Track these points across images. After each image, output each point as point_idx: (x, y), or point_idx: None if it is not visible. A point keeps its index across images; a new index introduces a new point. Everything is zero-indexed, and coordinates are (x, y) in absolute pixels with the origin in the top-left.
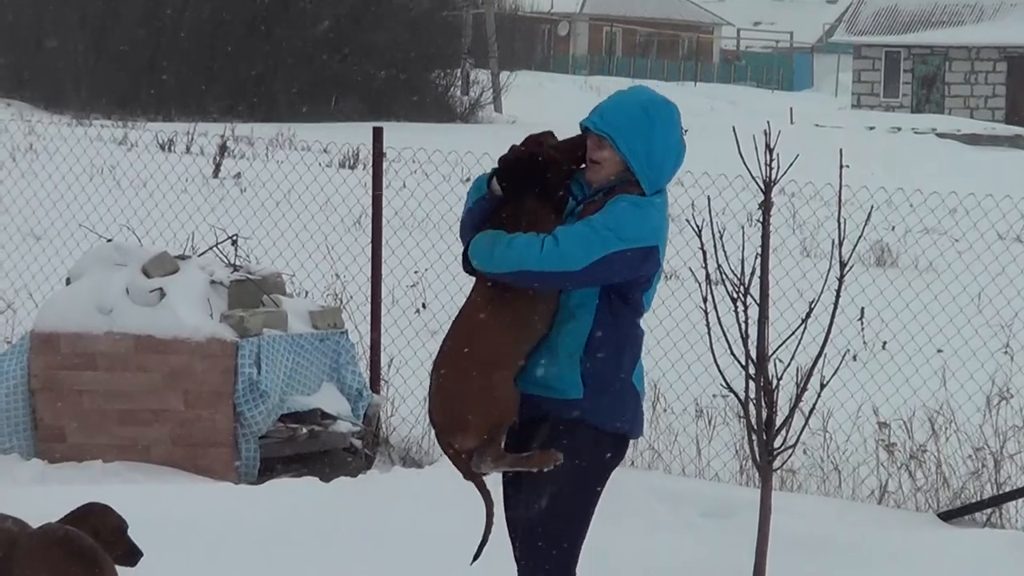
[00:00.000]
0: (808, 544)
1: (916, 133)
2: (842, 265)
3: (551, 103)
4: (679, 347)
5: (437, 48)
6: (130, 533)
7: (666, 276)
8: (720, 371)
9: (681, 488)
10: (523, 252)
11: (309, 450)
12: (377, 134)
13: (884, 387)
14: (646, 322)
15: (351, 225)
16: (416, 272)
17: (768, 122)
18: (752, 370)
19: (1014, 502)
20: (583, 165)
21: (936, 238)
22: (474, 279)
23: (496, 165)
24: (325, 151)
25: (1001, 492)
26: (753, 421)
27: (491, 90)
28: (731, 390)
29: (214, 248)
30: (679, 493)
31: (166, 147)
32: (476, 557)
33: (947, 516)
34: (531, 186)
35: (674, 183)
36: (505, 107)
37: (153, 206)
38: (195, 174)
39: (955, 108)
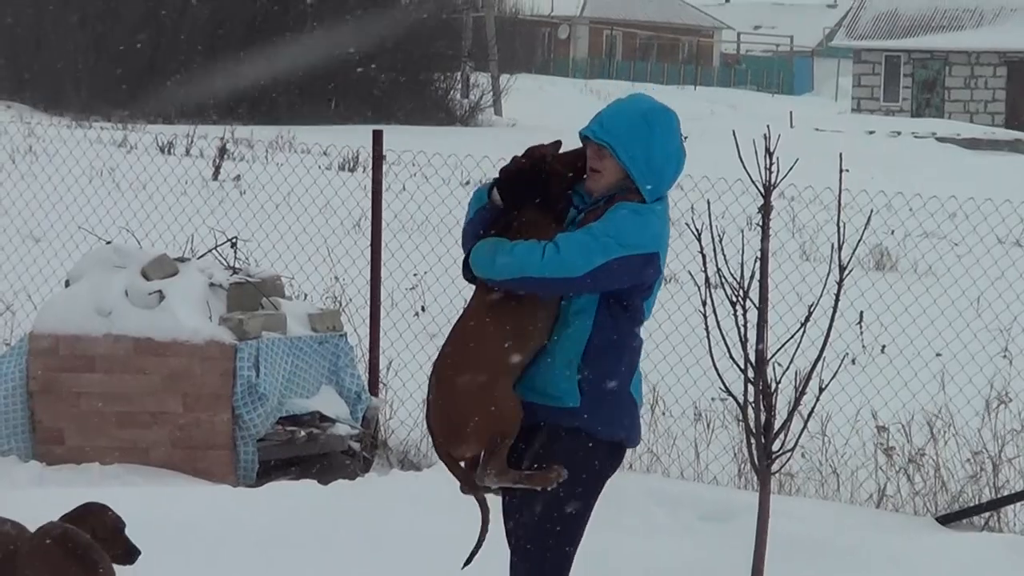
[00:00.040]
0: (806, 548)
1: (916, 137)
2: (841, 269)
3: (551, 106)
4: (678, 350)
5: (437, 51)
6: (128, 534)
7: (666, 280)
8: (719, 375)
9: (680, 491)
10: (524, 259)
11: (307, 453)
12: (377, 137)
13: (883, 391)
14: (644, 326)
15: (350, 228)
16: (415, 275)
17: (768, 126)
18: (751, 374)
19: (1012, 506)
20: (584, 176)
21: (935, 242)
22: (474, 289)
23: (497, 175)
24: (325, 154)
25: (999, 496)
26: (752, 425)
27: (491, 93)
28: (730, 394)
29: (213, 251)
30: (678, 496)
31: (166, 149)
32: (467, 562)
33: (945, 520)
34: (532, 196)
35: (674, 187)
36: (505, 110)
37: (152, 208)
38: (195, 176)
39: (955, 112)
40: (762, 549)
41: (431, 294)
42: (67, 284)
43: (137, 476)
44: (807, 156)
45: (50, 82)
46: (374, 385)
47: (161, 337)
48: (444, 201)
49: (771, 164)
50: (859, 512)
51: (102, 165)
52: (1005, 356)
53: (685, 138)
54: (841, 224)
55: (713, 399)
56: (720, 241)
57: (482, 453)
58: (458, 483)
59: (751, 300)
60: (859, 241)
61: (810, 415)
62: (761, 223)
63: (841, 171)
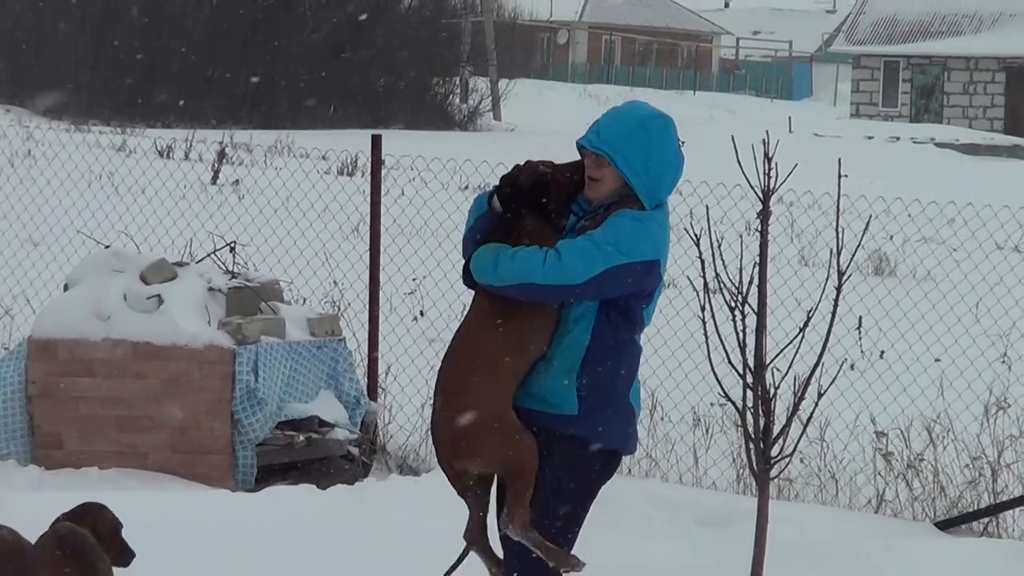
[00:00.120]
0: (805, 553)
1: (915, 143)
2: (840, 274)
3: (550, 111)
4: (677, 355)
5: (436, 56)
6: (127, 539)
7: (665, 284)
8: (718, 380)
9: (678, 496)
10: (525, 265)
11: (306, 457)
12: (376, 141)
13: (882, 396)
14: (644, 332)
15: (349, 232)
16: (414, 279)
17: (767, 131)
18: (750, 379)
19: (1011, 511)
20: (583, 186)
21: (934, 247)
22: (473, 295)
23: (497, 182)
24: (324, 158)
25: (998, 501)
26: (751, 430)
27: (490, 98)
28: (729, 399)
29: (212, 255)
30: (676, 501)
31: (165, 154)
32: (449, 572)
33: (944, 525)
34: (532, 203)
35: (673, 193)
36: (504, 115)
37: (151, 213)
38: (193, 181)
39: (954, 118)
40: (761, 554)
41: (430, 299)
42: (66, 288)
43: (136, 480)
44: (806, 161)
45: (49, 86)
46: (373, 390)
47: (160, 341)
48: (443, 206)
49: (770, 169)
50: (858, 517)
51: (101, 169)
52: (1003, 361)
53: (682, 144)
54: (840, 229)
55: (712, 404)
56: (719, 246)
57: (508, 493)
58: (456, 493)
59: (750, 305)
60: (858, 246)
61: (809, 420)
62: (760, 228)
63: (840, 176)
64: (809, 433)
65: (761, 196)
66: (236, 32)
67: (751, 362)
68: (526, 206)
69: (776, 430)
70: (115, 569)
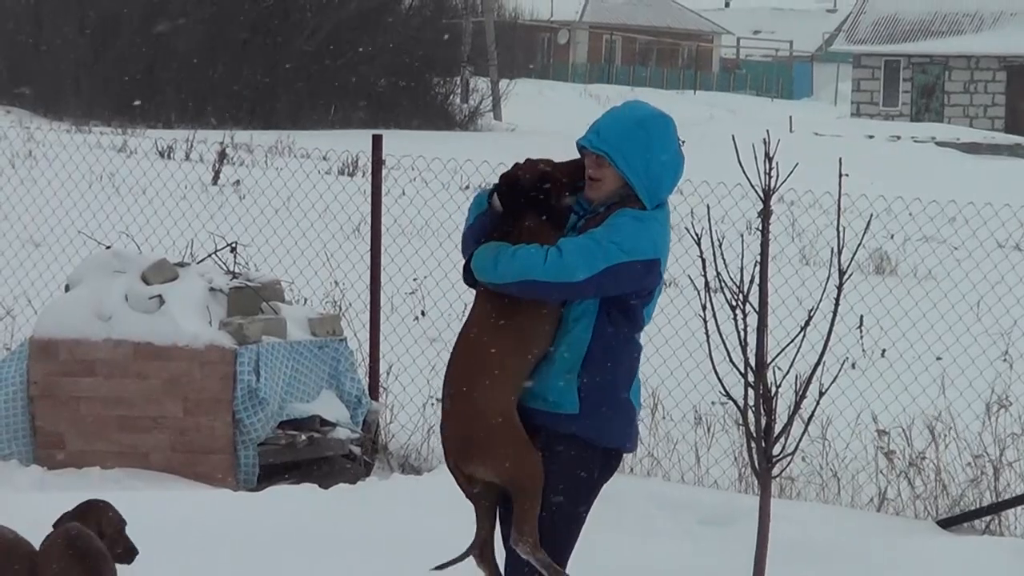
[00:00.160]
0: (807, 551)
1: (916, 142)
2: (841, 273)
3: (550, 111)
4: (678, 354)
5: (437, 56)
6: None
7: (666, 284)
8: (719, 378)
9: (680, 495)
10: (526, 263)
11: (308, 457)
12: (376, 142)
13: (883, 395)
14: (645, 330)
15: (350, 232)
16: (415, 279)
17: (767, 131)
18: (751, 377)
19: (1013, 509)
20: (583, 185)
21: (935, 246)
22: (474, 299)
23: (497, 181)
24: (324, 158)
25: (1000, 499)
26: (752, 428)
27: (490, 98)
28: (730, 397)
29: (213, 255)
30: (678, 500)
31: (165, 154)
32: (441, 567)
33: (946, 523)
34: (532, 202)
35: (673, 192)
36: (504, 115)
37: (152, 213)
38: (194, 181)
39: (954, 117)
40: (763, 553)
41: (431, 298)
42: (67, 289)
43: (137, 480)
44: (806, 161)
45: (50, 87)
46: (374, 389)
47: (161, 342)
48: (444, 206)
49: (770, 169)
50: (860, 516)
51: (102, 170)
52: (1005, 360)
53: (683, 143)
54: (841, 228)
55: (713, 403)
56: (720, 245)
57: (515, 510)
58: (463, 494)
59: (751, 304)
60: (859, 245)
61: (810, 419)
62: (761, 227)
63: (840, 175)
64: (811, 432)
65: (762, 195)
66: (237, 32)
67: (752, 361)
68: (526, 204)
69: (778, 429)
70: (119, 567)
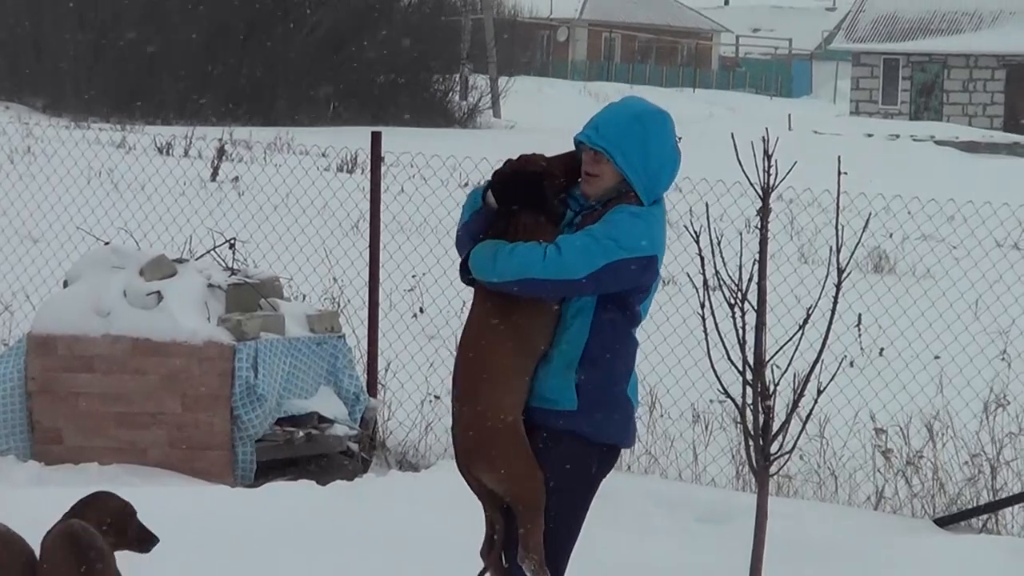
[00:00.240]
0: (804, 549)
1: (914, 140)
2: (839, 271)
3: (549, 108)
4: (676, 352)
5: (436, 53)
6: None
7: (664, 282)
8: (717, 376)
9: (677, 493)
10: (525, 260)
11: (306, 453)
12: (375, 139)
13: (881, 393)
14: (643, 328)
15: (349, 229)
16: (414, 276)
17: (766, 129)
18: (749, 376)
19: (1010, 508)
20: (578, 179)
21: (934, 245)
22: (472, 299)
23: (491, 177)
24: (323, 155)
25: (997, 498)
26: (750, 426)
27: (490, 95)
28: (728, 395)
29: (212, 251)
30: (675, 498)
31: (164, 150)
32: None
33: (943, 522)
34: (526, 198)
35: (672, 189)
36: (504, 112)
37: (151, 209)
38: (193, 177)
39: (953, 116)
40: (760, 551)
41: (430, 295)
42: (65, 284)
43: (135, 476)
44: (805, 159)
45: (49, 83)
46: (372, 386)
47: (159, 338)
48: (443, 203)
49: (769, 167)
50: (857, 514)
51: (100, 166)
52: (1003, 359)
53: (679, 139)
54: (839, 227)
55: (711, 401)
56: (718, 243)
57: (520, 526)
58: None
59: (749, 302)
60: (857, 244)
61: (808, 417)
62: (759, 225)
63: (839, 174)
64: (808, 430)
65: (761, 193)
66: (236, 29)
67: (751, 359)
68: (521, 201)
69: (775, 427)
70: (134, 555)
